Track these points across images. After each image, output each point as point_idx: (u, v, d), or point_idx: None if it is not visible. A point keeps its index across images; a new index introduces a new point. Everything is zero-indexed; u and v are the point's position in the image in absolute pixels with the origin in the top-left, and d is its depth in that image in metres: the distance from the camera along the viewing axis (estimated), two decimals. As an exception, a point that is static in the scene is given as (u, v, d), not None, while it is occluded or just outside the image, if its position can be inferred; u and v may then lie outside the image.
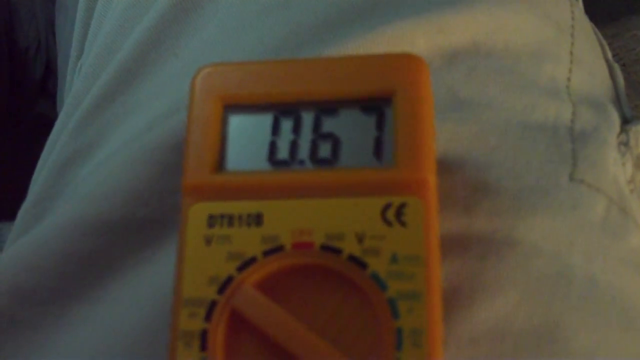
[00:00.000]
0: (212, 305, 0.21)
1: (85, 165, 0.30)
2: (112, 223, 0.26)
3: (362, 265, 0.21)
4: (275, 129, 0.23)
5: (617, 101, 0.30)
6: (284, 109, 0.23)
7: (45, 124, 0.45)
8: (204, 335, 0.20)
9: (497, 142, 0.26)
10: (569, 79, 0.28)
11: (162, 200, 0.26)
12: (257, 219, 0.22)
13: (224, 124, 0.23)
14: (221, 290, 0.21)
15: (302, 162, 0.22)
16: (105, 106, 0.31)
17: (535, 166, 0.25)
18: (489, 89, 0.27)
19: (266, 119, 0.23)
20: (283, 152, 0.23)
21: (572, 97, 0.28)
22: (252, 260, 0.21)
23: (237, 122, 0.23)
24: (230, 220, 0.22)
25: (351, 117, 0.23)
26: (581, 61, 0.29)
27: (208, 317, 0.21)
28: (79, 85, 0.33)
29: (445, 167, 0.24)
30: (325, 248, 0.21)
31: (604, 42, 0.32)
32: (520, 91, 0.27)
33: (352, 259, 0.21)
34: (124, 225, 0.26)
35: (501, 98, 0.27)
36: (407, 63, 0.23)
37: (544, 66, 0.28)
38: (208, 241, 0.22)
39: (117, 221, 0.26)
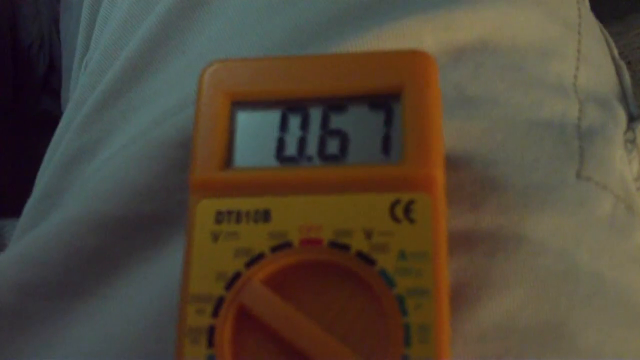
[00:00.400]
0: (220, 301, 0.21)
1: (91, 162, 0.30)
2: (118, 219, 0.26)
3: (371, 261, 0.21)
4: (283, 125, 0.23)
5: (623, 99, 0.30)
6: (291, 106, 0.23)
7: (48, 120, 0.45)
8: (211, 332, 0.20)
9: (504, 139, 0.26)
10: (575, 77, 0.28)
11: (168, 197, 0.26)
12: (264, 215, 0.22)
13: (231, 120, 0.23)
14: (229, 286, 0.21)
15: (310, 158, 0.22)
16: (111, 103, 0.31)
17: (543, 163, 0.25)
18: (496, 85, 0.27)
19: (274, 116, 0.23)
20: (291, 149, 0.23)
21: (579, 94, 0.28)
22: (260, 257, 0.21)
23: (244, 119, 0.23)
24: (237, 216, 0.22)
25: (359, 114, 0.23)
26: (588, 59, 0.29)
27: (215, 313, 0.21)
28: (85, 82, 0.33)
29: (453, 163, 0.24)
30: (333, 244, 0.21)
31: (610, 40, 0.32)
32: (527, 88, 0.27)
33: (361, 255, 0.21)
34: (130, 221, 0.26)
35: (508, 95, 0.27)
36: (415, 59, 0.23)
37: (551, 63, 0.28)
38: (215, 237, 0.21)
39: (123, 217, 0.26)
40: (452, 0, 0.28)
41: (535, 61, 0.28)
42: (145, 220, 0.26)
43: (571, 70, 0.29)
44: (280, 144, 0.23)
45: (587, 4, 0.33)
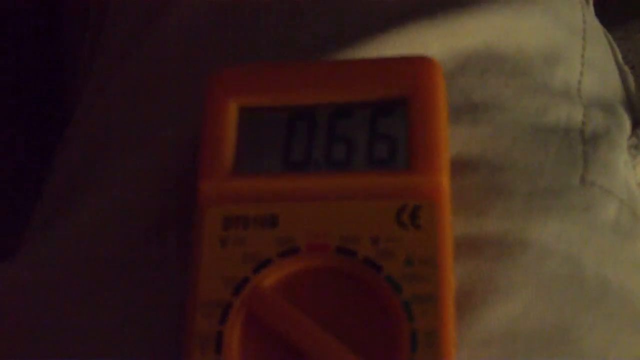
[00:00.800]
0: (228, 307, 0.21)
1: (108, 159, 0.29)
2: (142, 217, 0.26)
3: (377, 267, 0.21)
4: (290, 131, 0.23)
5: (628, 104, 0.30)
6: (298, 112, 0.23)
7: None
8: (219, 337, 0.21)
9: (510, 145, 0.26)
10: (580, 82, 0.29)
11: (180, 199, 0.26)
12: (272, 221, 0.22)
13: (239, 126, 0.23)
14: (236, 292, 0.21)
15: (317, 164, 0.23)
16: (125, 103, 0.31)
17: (548, 168, 0.25)
18: (502, 91, 0.27)
19: (281, 122, 0.23)
20: (298, 155, 0.23)
21: (583, 99, 0.28)
22: (267, 262, 0.21)
23: (252, 125, 0.23)
24: (245, 222, 0.22)
25: (365, 120, 0.23)
26: (592, 64, 0.29)
27: (223, 319, 0.21)
28: (94, 84, 0.33)
29: (459, 169, 0.25)
30: (340, 250, 0.21)
31: (615, 45, 0.32)
32: (533, 94, 0.27)
33: (367, 261, 0.21)
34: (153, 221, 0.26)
35: (514, 100, 0.27)
36: (421, 65, 0.23)
37: (556, 69, 0.28)
38: (223, 243, 0.22)
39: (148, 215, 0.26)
40: (457, 6, 0.28)
41: (540, 67, 0.28)
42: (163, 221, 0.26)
43: (576, 76, 0.29)
44: (288, 150, 0.23)
45: (592, 9, 0.33)
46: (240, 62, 0.28)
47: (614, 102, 0.29)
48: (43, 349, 0.24)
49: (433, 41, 0.28)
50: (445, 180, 0.22)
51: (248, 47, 0.29)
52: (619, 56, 0.32)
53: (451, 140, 0.24)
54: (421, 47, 0.27)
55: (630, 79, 0.31)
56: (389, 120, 0.23)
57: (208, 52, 0.30)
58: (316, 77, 0.24)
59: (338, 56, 0.27)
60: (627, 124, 0.29)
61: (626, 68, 0.32)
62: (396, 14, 0.29)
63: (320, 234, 0.21)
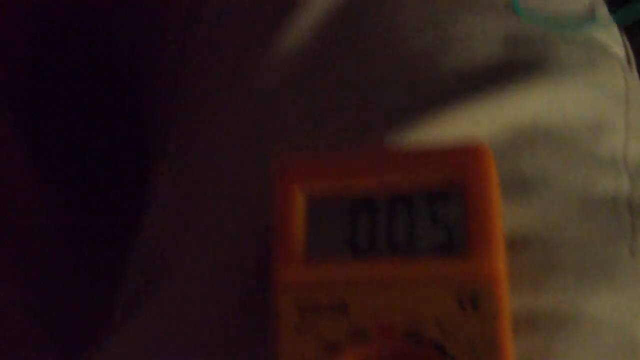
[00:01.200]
0: None
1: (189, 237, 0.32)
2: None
3: (443, 350, 0.22)
4: (354, 219, 0.25)
5: None
6: (361, 200, 0.25)
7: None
8: None
9: (560, 219, 0.27)
10: (625, 148, 0.30)
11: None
12: (343, 308, 0.24)
13: (307, 215, 0.25)
14: None
15: (380, 251, 0.24)
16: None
17: (597, 241, 0.27)
18: (550, 165, 0.28)
19: (345, 210, 0.25)
20: (362, 242, 0.25)
21: (629, 167, 0.29)
22: (340, 348, 0.23)
23: (318, 213, 0.25)
24: (318, 308, 0.24)
25: (424, 207, 0.25)
26: (637, 129, 0.31)
27: None
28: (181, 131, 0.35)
29: (512, 245, 0.26)
30: (407, 334, 0.23)
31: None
32: (579, 165, 0.29)
33: (433, 344, 0.23)
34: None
35: (561, 173, 0.28)
36: (474, 154, 0.25)
37: (601, 138, 0.30)
38: (299, 328, 0.24)
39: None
40: (503, 81, 0.30)
41: (585, 137, 0.29)
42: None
43: (620, 143, 0.30)
44: (352, 238, 0.25)
45: (635, 72, 0.34)
46: (306, 149, 0.30)
47: (659, 167, 0.30)
48: None
49: (483, 117, 0.29)
50: (502, 264, 0.24)
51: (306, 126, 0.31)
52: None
53: (504, 218, 0.25)
54: (472, 124, 0.29)
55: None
56: (446, 207, 0.25)
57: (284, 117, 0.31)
58: (376, 166, 0.26)
59: (390, 135, 0.29)
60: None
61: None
62: (445, 91, 0.30)
63: (388, 319, 0.23)
